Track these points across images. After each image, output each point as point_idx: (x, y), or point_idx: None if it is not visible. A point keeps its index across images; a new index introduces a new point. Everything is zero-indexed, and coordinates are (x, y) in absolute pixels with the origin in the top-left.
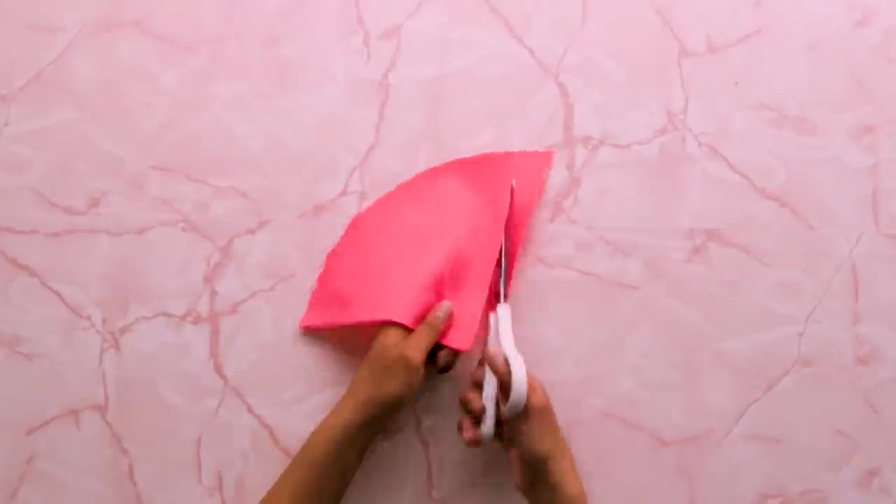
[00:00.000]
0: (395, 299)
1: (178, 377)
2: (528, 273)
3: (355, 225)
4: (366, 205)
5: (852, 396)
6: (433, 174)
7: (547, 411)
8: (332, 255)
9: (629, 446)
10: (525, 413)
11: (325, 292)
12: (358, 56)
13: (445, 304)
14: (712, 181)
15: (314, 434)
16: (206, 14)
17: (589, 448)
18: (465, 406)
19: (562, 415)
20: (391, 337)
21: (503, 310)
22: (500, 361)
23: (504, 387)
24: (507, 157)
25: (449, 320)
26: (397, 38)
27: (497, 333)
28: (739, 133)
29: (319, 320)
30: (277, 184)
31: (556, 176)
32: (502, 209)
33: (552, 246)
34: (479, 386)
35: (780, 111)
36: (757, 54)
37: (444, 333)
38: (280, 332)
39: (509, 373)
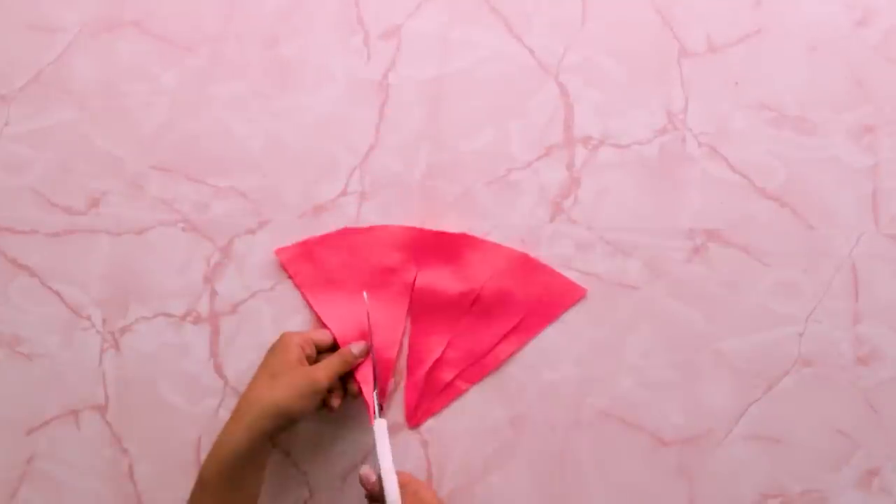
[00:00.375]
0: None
1: (178, 377)
2: None
3: (366, 230)
4: (365, 205)
5: (852, 396)
6: (467, 245)
7: None
8: (338, 234)
9: (629, 446)
10: None
11: (315, 251)
12: (358, 56)
13: (362, 345)
14: (712, 181)
15: (210, 456)
16: (206, 14)
17: (589, 448)
18: None
19: (562, 415)
20: (294, 354)
21: (379, 425)
22: (371, 483)
23: None
24: (544, 270)
25: (362, 357)
26: (397, 38)
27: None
28: (739, 133)
29: (292, 264)
30: (277, 184)
31: (556, 176)
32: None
33: (552, 246)
34: (376, 499)
35: (780, 111)
36: (757, 54)
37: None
38: (280, 332)
39: (382, 493)
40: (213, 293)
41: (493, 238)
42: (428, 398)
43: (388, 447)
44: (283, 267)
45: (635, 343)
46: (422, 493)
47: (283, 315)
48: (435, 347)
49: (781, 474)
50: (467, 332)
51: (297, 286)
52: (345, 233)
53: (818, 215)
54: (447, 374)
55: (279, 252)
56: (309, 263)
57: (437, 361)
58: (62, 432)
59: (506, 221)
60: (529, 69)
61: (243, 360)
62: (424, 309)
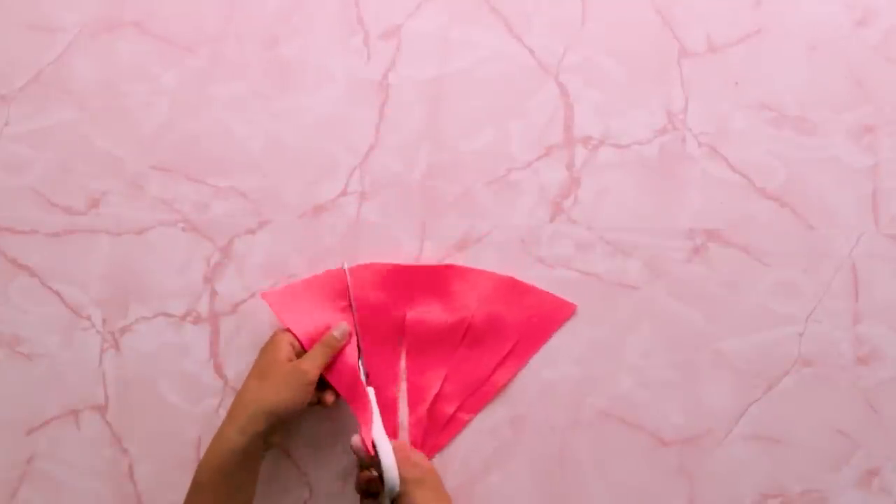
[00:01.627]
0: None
1: (179, 377)
2: (529, 273)
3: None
4: (365, 205)
5: (852, 396)
6: (452, 275)
7: (422, 481)
8: (325, 275)
9: (629, 446)
10: (403, 488)
11: (302, 294)
12: (358, 56)
13: (343, 325)
14: (712, 181)
15: (205, 459)
16: (206, 14)
17: (589, 448)
18: (366, 487)
19: (562, 415)
20: (283, 352)
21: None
22: (363, 453)
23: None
24: (531, 291)
25: (345, 339)
26: (397, 38)
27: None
28: (739, 133)
29: (279, 308)
30: (277, 184)
31: (556, 176)
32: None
33: (552, 246)
34: (365, 467)
35: (780, 111)
36: (757, 54)
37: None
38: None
39: (377, 459)
40: (213, 293)
41: (493, 238)
42: (433, 434)
43: (377, 414)
44: (272, 310)
45: (635, 343)
46: (414, 457)
47: None
48: (433, 382)
49: (781, 474)
50: (463, 363)
51: (287, 329)
52: (329, 275)
53: (818, 215)
54: (448, 408)
55: (265, 296)
56: (296, 306)
57: (437, 396)
58: (62, 432)
59: (506, 221)
60: (529, 69)
61: (243, 360)
62: (418, 344)
